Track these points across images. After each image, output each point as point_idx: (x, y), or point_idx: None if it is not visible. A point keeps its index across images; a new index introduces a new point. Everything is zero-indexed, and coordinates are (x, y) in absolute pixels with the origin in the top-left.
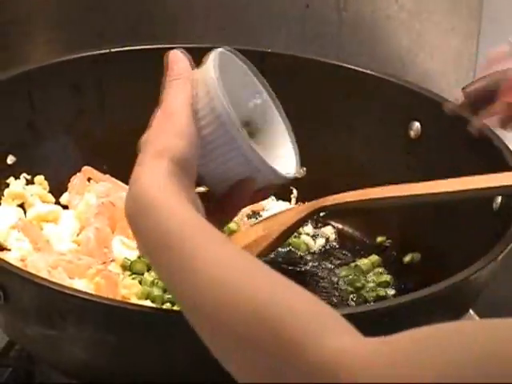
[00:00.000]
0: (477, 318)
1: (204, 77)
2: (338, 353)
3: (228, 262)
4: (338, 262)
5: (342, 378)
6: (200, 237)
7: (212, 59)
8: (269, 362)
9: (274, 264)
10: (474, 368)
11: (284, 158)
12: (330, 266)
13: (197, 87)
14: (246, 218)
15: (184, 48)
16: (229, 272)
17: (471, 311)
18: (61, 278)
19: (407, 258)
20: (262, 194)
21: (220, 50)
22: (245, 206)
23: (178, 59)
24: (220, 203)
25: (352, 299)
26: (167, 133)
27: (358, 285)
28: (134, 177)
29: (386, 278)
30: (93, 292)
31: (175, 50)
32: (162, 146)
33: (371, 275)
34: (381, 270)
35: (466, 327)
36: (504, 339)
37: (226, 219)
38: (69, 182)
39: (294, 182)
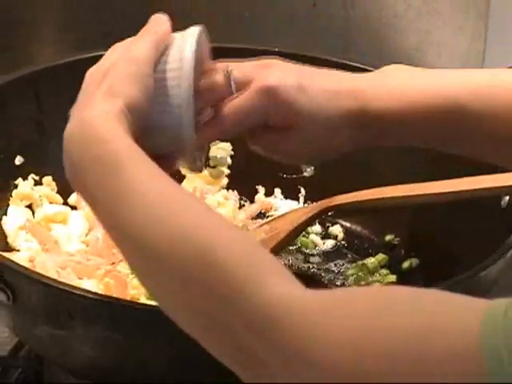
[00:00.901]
0: None
1: (181, 49)
2: (280, 298)
3: (175, 200)
4: (346, 260)
5: (283, 321)
6: (147, 174)
7: (194, 37)
8: (212, 305)
9: (282, 263)
10: (400, 337)
11: None
12: (337, 264)
13: (170, 54)
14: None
15: None
16: (173, 208)
17: None
18: (70, 278)
19: (406, 265)
20: None
21: (200, 28)
22: None
23: (159, 22)
24: None
25: None
26: (128, 77)
27: (364, 283)
28: (83, 107)
29: (392, 277)
30: (102, 292)
31: (159, 14)
32: (120, 87)
33: (377, 275)
34: (385, 271)
35: (406, 294)
36: (441, 313)
37: None
38: None
39: (302, 180)
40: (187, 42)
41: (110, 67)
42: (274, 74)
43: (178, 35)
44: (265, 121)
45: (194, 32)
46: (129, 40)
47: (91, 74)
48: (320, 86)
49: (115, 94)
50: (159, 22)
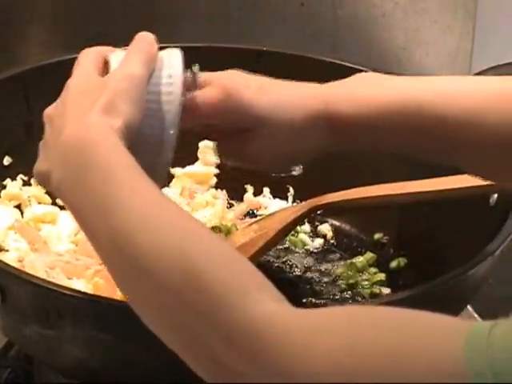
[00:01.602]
0: (475, 314)
1: (172, 73)
2: (264, 314)
3: (163, 212)
4: (335, 259)
5: (266, 338)
6: (137, 185)
7: (180, 61)
8: (192, 318)
9: (272, 262)
10: (379, 356)
11: None
12: (326, 263)
13: (161, 76)
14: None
15: (183, 47)
16: (161, 220)
17: (469, 307)
18: (59, 278)
19: (394, 263)
20: None
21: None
22: None
23: (146, 40)
24: None
25: (347, 296)
26: (125, 94)
27: (352, 282)
28: (80, 121)
29: (381, 276)
30: (91, 292)
31: (146, 33)
32: (119, 105)
33: (366, 273)
34: (374, 269)
35: (385, 315)
36: (425, 333)
37: None
38: None
39: (291, 180)
40: (176, 65)
41: (106, 81)
42: (236, 76)
43: (164, 57)
44: (226, 122)
45: (178, 54)
46: (100, 47)
47: (76, 83)
48: (282, 90)
49: (115, 111)
50: (146, 41)
